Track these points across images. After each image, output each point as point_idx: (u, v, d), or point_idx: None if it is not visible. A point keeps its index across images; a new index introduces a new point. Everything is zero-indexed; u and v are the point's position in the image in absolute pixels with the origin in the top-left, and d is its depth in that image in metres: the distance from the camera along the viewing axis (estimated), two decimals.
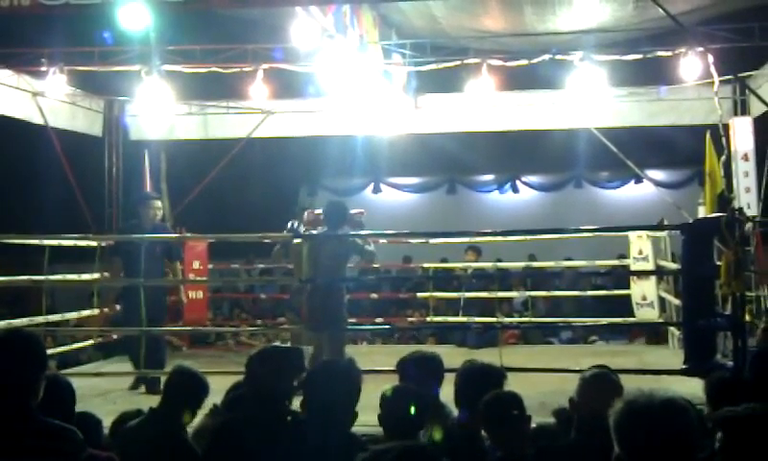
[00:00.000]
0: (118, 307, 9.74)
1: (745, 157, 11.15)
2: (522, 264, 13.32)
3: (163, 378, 4.95)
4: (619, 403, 2.50)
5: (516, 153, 16.68)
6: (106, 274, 9.67)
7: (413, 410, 3.85)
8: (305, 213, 9.31)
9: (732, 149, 10.82)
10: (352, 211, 8.54)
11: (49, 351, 6.47)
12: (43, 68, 10.94)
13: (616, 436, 2.47)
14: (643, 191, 16.11)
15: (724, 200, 8.29)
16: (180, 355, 10.60)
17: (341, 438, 3.59)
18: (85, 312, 11.24)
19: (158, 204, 9.23)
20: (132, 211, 9.34)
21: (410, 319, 13.23)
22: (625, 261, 11.88)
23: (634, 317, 11.24)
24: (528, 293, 13.12)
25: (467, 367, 4.46)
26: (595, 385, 3.64)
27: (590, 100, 11.36)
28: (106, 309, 11.58)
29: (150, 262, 8.68)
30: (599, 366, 3.81)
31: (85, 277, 10.95)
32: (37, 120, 11.33)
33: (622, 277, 12.36)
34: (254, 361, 3.91)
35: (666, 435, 2.39)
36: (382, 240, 13.37)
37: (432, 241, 12.84)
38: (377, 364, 6.80)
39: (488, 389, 4.09)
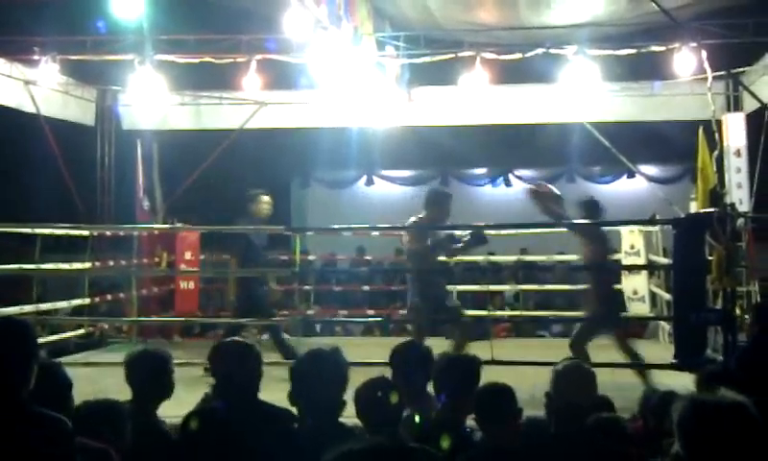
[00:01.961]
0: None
1: (737, 153, 11.18)
2: (514, 258, 13.33)
3: None
4: (685, 402, 2.56)
5: (509, 146, 16.70)
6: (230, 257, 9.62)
7: (384, 400, 3.85)
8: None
9: (725, 144, 10.85)
10: None
11: (40, 340, 6.42)
12: (36, 57, 10.89)
13: (681, 435, 2.53)
14: (636, 186, 16.15)
15: (716, 195, 8.32)
16: (169, 346, 10.58)
17: (327, 426, 3.61)
18: (76, 301, 11.22)
19: (268, 198, 9.21)
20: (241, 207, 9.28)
21: (402, 311, 13.21)
22: (616, 256, 11.89)
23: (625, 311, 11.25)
24: (519, 286, 13.13)
25: (442, 358, 4.48)
26: (568, 377, 3.66)
27: (584, 94, 11.36)
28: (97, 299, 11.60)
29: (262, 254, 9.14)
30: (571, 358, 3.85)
31: (77, 266, 10.92)
32: (29, 108, 11.29)
33: (614, 272, 12.37)
34: (210, 356, 4.03)
35: (735, 436, 2.44)
36: (375, 233, 13.42)
37: None
38: (370, 355, 6.80)
39: (465, 378, 4.12)
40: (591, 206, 7.93)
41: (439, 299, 7.95)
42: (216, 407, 3.85)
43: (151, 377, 4.19)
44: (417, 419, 4.11)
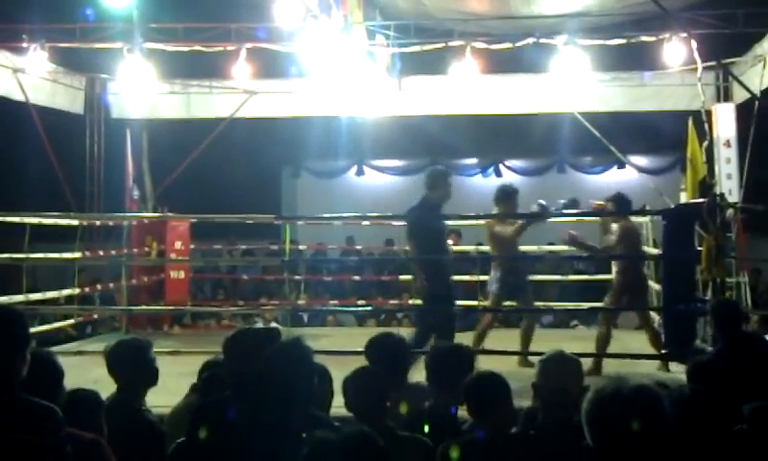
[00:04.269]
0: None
1: (727, 144, 11.20)
2: None
3: None
4: (589, 393, 2.45)
5: (499, 137, 16.66)
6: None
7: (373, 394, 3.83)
8: None
9: (715, 135, 10.86)
10: None
11: (30, 330, 6.38)
12: (24, 44, 10.85)
13: (587, 427, 2.41)
14: (626, 176, 16.13)
15: (705, 186, 8.35)
16: (160, 336, 10.58)
17: (302, 417, 3.58)
18: (66, 291, 11.18)
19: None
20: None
21: (392, 301, 13.20)
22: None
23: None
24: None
25: (436, 348, 4.48)
26: (554, 365, 3.67)
27: (574, 84, 11.36)
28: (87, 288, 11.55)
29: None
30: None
31: (66, 255, 10.87)
32: (18, 97, 11.24)
33: (603, 261, 12.38)
34: (228, 344, 3.95)
35: (636, 423, 2.32)
36: (365, 222, 13.41)
37: None
38: (361, 346, 6.79)
39: (459, 368, 4.12)
40: (620, 200, 8.36)
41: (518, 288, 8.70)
42: (227, 402, 3.69)
43: (132, 366, 4.16)
44: (403, 408, 4.09)
